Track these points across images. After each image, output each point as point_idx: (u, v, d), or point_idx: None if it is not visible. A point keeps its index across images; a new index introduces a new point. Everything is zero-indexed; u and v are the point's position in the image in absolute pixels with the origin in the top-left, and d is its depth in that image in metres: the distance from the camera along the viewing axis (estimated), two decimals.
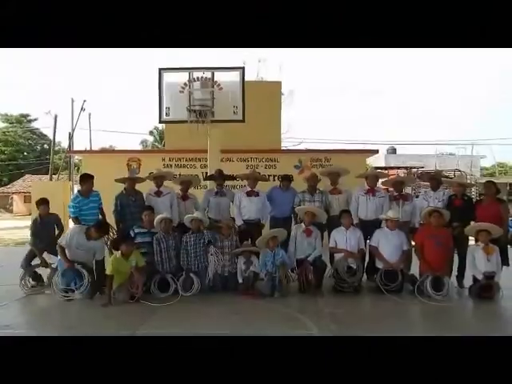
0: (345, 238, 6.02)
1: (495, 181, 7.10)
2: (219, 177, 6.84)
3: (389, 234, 5.98)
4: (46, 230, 6.28)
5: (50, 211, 6.41)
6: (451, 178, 7.25)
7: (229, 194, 6.89)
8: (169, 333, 4.22)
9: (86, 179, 6.29)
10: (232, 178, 7.28)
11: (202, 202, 6.80)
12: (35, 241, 6.23)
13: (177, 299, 5.40)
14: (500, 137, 75.70)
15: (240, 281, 5.82)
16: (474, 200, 6.90)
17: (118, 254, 5.47)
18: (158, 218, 5.92)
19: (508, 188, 27.21)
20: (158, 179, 6.66)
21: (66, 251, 5.61)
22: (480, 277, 5.59)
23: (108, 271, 5.38)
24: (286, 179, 6.93)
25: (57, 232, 6.34)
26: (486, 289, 5.51)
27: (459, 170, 17.19)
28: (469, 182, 14.39)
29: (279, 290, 5.63)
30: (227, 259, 5.93)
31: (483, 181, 24.13)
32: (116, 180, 6.67)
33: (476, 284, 5.63)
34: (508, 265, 6.03)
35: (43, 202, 6.41)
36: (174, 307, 5.19)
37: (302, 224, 6.16)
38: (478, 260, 5.63)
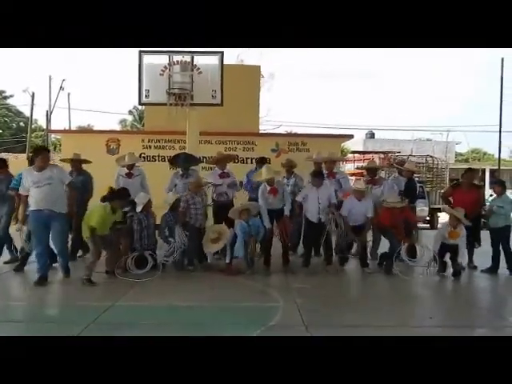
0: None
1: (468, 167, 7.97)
2: (184, 163, 6.95)
3: (357, 203, 6.40)
4: None
5: None
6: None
7: (194, 174, 7.02)
8: (148, 305, 4.57)
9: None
10: (197, 162, 7.38)
11: (169, 183, 6.95)
12: None
13: (156, 275, 5.64)
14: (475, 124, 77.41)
15: (227, 261, 6.14)
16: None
17: (107, 206, 5.46)
18: (140, 198, 6.13)
19: (480, 174, 28.17)
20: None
21: (29, 200, 5.33)
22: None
23: (93, 223, 5.33)
24: (261, 162, 7.26)
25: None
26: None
27: (431, 156, 17.90)
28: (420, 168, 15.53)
29: (251, 266, 6.03)
30: (199, 213, 6.25)
31: (456, 166, 24.95)
32: (61, 160, 6.82)
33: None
34: (479, 245, 6.64)
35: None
36: (152, 282, 5.46)
37: None
38: (444, 240, 6.10)
